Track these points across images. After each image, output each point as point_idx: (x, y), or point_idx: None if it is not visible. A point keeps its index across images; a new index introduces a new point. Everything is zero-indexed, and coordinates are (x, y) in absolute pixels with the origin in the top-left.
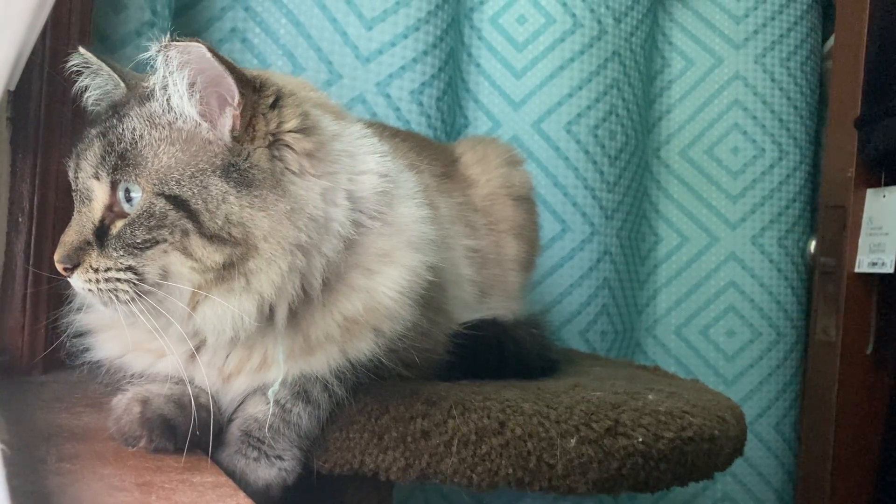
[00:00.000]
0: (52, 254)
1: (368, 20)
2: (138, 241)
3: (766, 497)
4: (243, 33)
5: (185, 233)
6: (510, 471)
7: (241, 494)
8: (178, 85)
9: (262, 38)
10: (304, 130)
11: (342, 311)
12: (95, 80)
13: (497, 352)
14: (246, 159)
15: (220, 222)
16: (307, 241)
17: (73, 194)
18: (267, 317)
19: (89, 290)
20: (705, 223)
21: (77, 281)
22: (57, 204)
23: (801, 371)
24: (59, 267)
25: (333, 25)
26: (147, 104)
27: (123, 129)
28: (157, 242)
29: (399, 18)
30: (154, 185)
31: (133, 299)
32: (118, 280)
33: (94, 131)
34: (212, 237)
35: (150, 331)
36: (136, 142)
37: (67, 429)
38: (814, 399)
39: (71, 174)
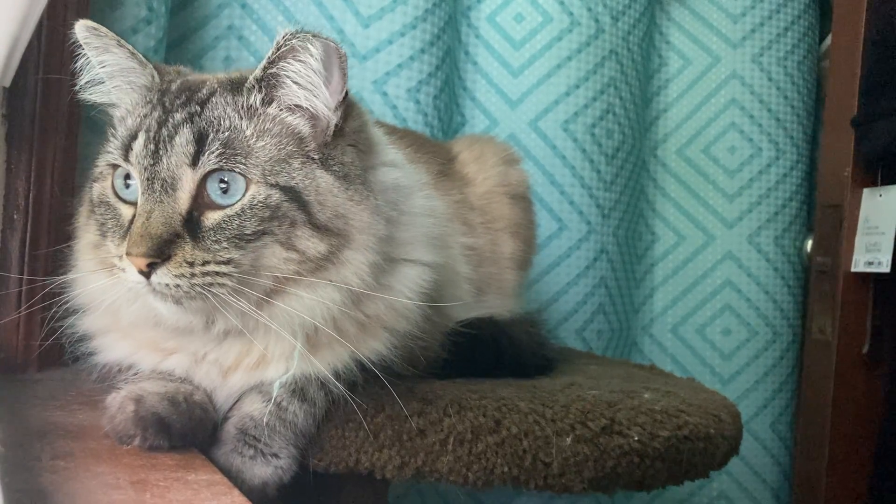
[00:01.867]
0: (48, 250)
1: (365, 18)
2: (248, 232)
3: (761, 495)
4: (240, 30)
5: (294, 224)
6: (506, 469)
7: (236, 492)
8: (305, 76)
9: (259, 35)
10: (363, 129)
11: (364, 308)
12: (102, 57)
13: (493, 350)
14: (343, 154)
15: (329, 213)
16: (385, 235)
17: (145, 183)
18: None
19: (177, 284)
20: (702, 222)
21: (164, 277)
22: (52, 201)
23: (797, 370)
24: (140, 262)
25: (330, 23)
26: (247, 93)
27: (216, 118)
28: (265, 234)
29: (396, 16)
30: (267, 175)
31: (228, 293)
32: (217, 274)
33: (177, 116)
34: (320, 228)
35: (176, 329)
36: (239, 131)
37: (62, 426)
38: (810, 398)
39: (144, 161)
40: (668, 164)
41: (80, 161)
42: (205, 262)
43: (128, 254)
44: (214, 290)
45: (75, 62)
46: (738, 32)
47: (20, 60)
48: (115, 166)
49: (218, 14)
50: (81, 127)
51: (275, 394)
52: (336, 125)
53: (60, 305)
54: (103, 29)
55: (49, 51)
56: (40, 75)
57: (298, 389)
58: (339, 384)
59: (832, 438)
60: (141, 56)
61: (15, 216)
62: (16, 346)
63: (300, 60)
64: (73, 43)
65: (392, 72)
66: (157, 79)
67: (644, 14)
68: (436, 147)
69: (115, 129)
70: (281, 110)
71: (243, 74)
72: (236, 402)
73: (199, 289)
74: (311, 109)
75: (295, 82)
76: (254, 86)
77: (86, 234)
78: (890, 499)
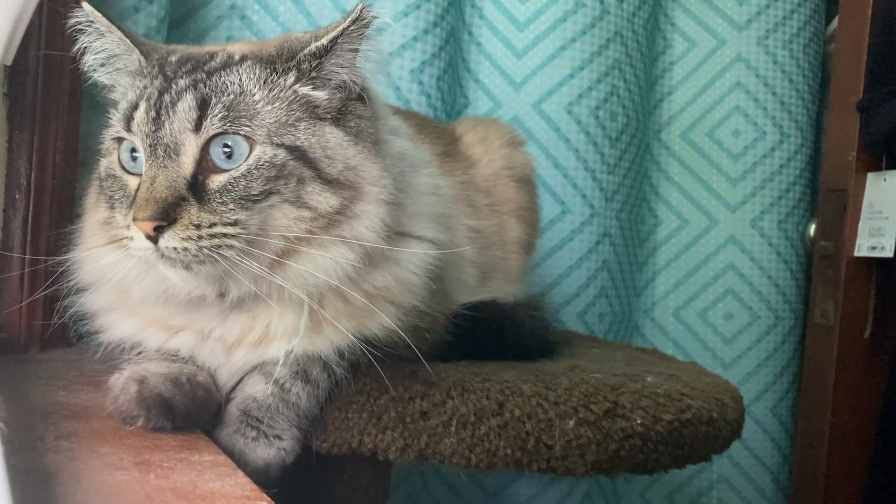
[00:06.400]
0: (49, 231)
1: None
2: (254, 192)
3: (761, 479)
4: (242, 10)
5: (302, 181)
6: (508, 451)
7: (240, 473)
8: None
9: (262, 14)
10: (369, 94)
11: (373, 282)
12: (99, 40)
13: (496, 333)
14: (356, 113)
15: (340, 167)
16: (394, 193)
17: (148, 150)
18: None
19: (185, 248)
20: (705, 206)
21: (171, 240)
22: (55, 181)
23: (798, 354)
24: (147, 226)
25: (333, 3)
26: (282, 71)
27: (225, 83)
28: (271, 194)
29: None
30: (272, 136)
31: (237, 255)
32: (224, 235)
33: (181, 83)
34: (330, 182)
35: (188, 302)
36: (245, 95)
37: (65, 407)
38: (811, 382)
39: (145, 129)
40: (672, 147)
41: (82, 140)
42: (212, 224)
43: (134, 219)
44: (223, 252)
45: (75, 46)
46: (744, 15)
47: (22, 39)
48: (119, 140)
49: None
50: (84, 105)
51: (280, 362)
52: (349, 91)
53: (65, 284)
54: (97, 14)
55: (50, 29)
56: (42, 54)
57: (301, 370)
58: (342, 363)
59: (833, 423)
60: (135, 35)
61: (17, 196)
62: (19, 326)
63: (360, 44)
64: (72, 28)
65: (395, 52)
66: (152, 55)
67: None
68: (439, 128)
69: (117, 105)
70: (304, 85)
71: (262, 48)
72: (239, 382)
73: (206, 251)
74: (345, 83)
75: (343, 66)
76: (294, 65)
77: (95, 212)
78: (891, 483)
